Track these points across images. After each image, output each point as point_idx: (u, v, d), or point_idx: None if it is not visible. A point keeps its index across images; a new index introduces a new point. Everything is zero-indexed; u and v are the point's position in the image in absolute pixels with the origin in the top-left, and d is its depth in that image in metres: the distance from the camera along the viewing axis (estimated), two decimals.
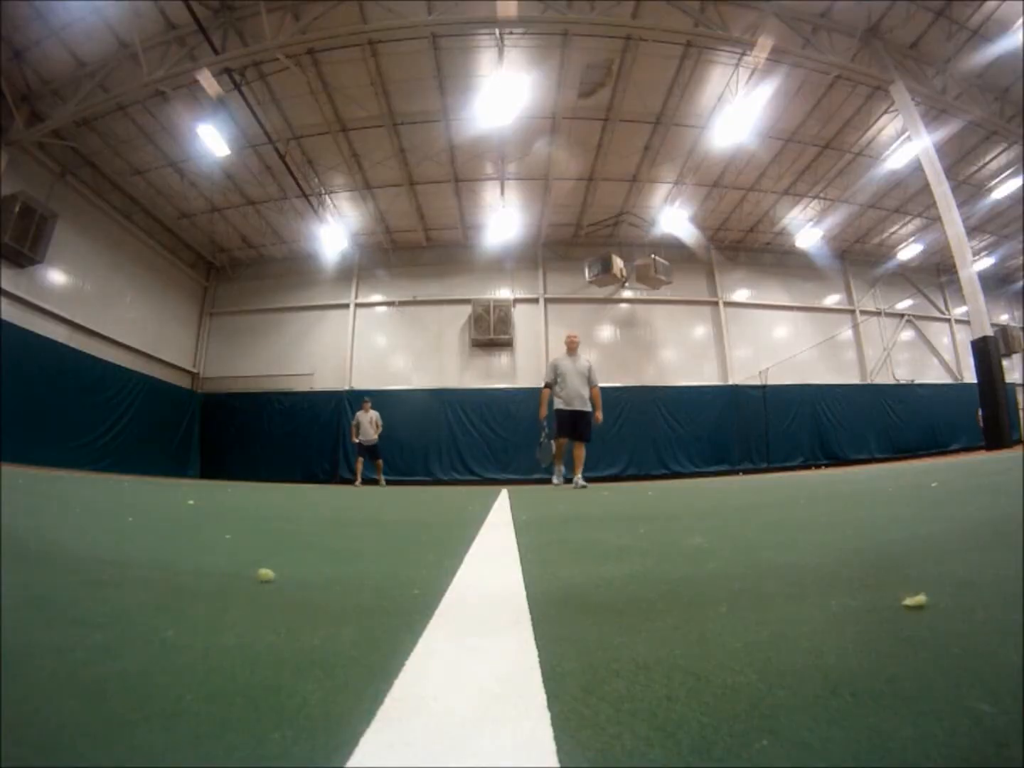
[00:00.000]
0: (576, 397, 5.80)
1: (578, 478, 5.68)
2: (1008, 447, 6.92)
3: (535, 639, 0.57)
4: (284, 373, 13.08)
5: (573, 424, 5.78)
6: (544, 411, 5.94)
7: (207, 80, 7.72)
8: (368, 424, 9.63)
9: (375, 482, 9.74)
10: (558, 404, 5.81)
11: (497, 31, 8.04)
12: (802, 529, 1.48)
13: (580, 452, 5.87)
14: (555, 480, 6.07)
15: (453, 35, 8.23)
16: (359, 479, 9.65)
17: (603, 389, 15.16)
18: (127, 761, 0.34)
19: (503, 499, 3.50)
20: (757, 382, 12.48)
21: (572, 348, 6.01)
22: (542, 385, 6.05)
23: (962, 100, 9.18)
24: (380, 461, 9.81)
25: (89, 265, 10.24)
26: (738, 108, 9.08)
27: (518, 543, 1.34)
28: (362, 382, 12.61)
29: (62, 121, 8.51)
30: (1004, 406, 7.39)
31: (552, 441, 5.99)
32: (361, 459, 9.72)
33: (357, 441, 9.67)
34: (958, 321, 14.74)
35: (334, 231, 12.07)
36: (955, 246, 7.86)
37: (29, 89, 8.42)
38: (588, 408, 5.84)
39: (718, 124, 9.62)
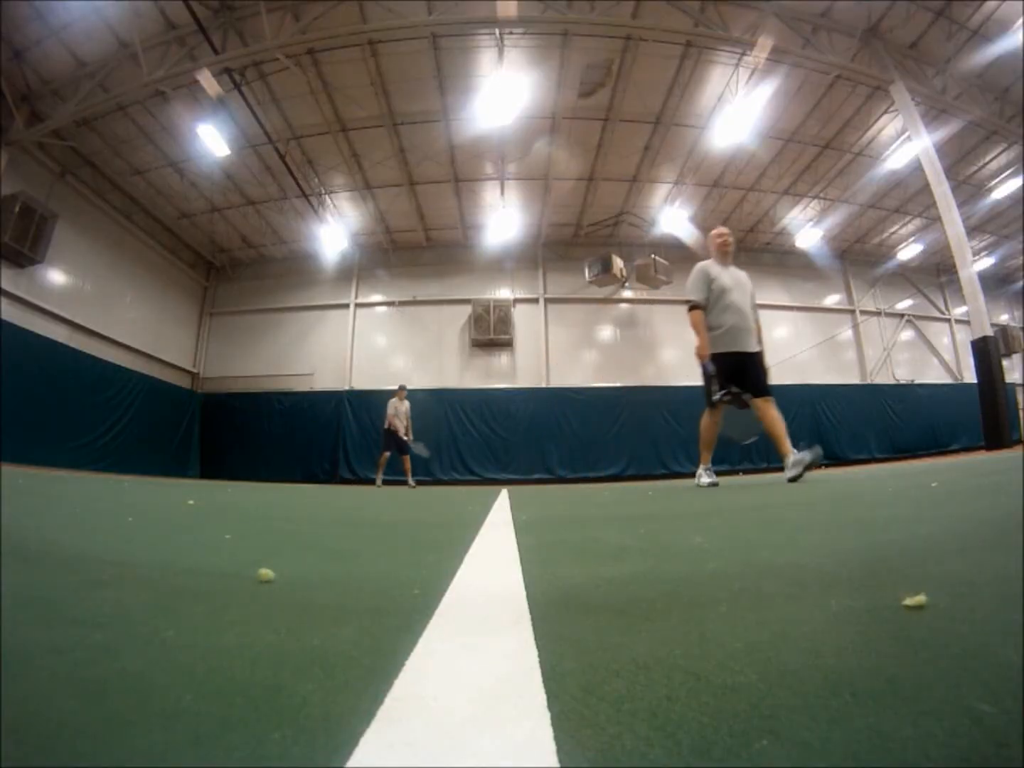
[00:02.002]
0: (745, 329, 3.75)
1: (795, 459, 3.50)
2: (1008, 447, 6.92)
3: (535, 639, 0.57)
4: (284, 373, 13.09)
5: (741, 371, 3.71)
6: (706, 345, 3.73)
7: (207, 80, 7.72)
8: (404, 416, 8.87)
9: (402, 483, 8.90)
10: (714, 346, 3.75)
11: (497, 31, 8.04)
12: (802, 529, 1.48)
13: (769, 411, 3.68)
14: (704, 478, 3.90)
15: (453, 35, 8.23)
16: (380, 477, 8.80)
17: (602, 389, 15.05)
18: (127, 761, 0.34)
19: (503, 499, 3.50)
20: None
21: (726, 250, 3.96)
22: (687, 307, 3.90)
23: (962, 100, 9.18)
24: (407, 461, 8.85)
25: (89, 265, 10.24)
26: (738, 108, 9.09)
27: (518, 543, 1.34)
28: (362, 382, 12.61)
29: (62, 121, 8.51)
30: (1004, 406, 7.40)
31: (719, 401, 3.76)
32: (387, 453, 8.78)
33: (390, 428, 8.65)
34: (958, 321, 14.74)
35: (334, 231, 12.08)
36: (955, 246, 7.86)
37: (29, 89, 8.43)
38: (758, 347, 3.84)
39: (718, 124, 9.62)
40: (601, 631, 0.60)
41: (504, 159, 10.81)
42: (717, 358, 3.74)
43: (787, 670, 0.46)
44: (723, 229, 4.14)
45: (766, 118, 9.77)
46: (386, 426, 8.81)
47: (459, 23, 7.72)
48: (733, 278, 3.91)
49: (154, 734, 0.37)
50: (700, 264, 4.02)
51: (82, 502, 2.90)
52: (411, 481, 8.73)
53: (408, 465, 8.83)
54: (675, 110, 9.80)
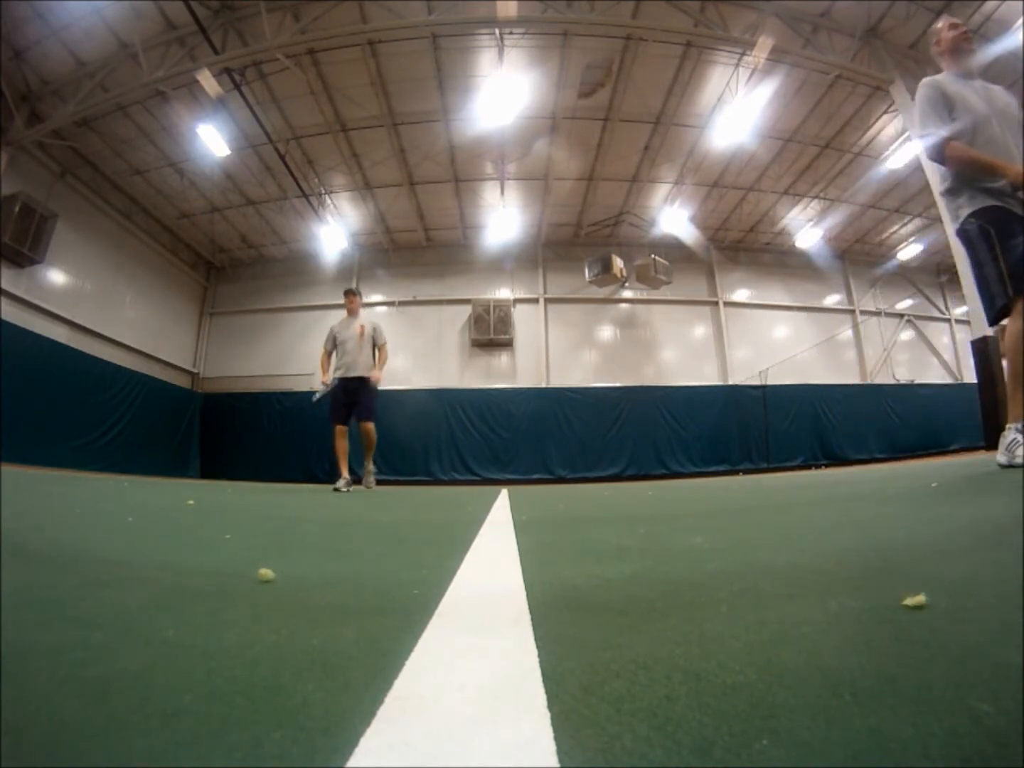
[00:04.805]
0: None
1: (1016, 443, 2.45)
2: None
3: (535, 639, 0.57)
4: (284, 373, 13.08)
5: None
6: (996, 163, 2.31)
7: (207, 80, 7.72)
8: (355, 342, 5.26)
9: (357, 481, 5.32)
10: (984, 199, 2.36)
11: (497, 31, 8.04)
12: (802, 529, 1.48)
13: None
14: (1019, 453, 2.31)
15: (453, 35, 8.23)
16: (344, 471, 5.07)
17: (602, 389, 15.05)
18: (127, 761, 0.34)
19: (503, 499, 3.50)
20: (757, 382, 12.48)
21: (964, 49, 2.72)
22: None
23: None
24: (372, 433, 5.15)
25: (89, 265, 10.24)
26: (738, 108, 9.08)
27: (518, 543, 1.34)
28: None
29: (62, 121, 8.51)
30: (1004, 406, 7.40)
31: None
32: (340, 427, 5.20)
33: (327, 383, 5.17)
34: (958, 321, 14.73)
35: (334, 231, 12.08)
36: (955, 246, 7.85)
37: (29, 89, 8.43)
38: None
39: (718, 124, 9.62)
40: (601, 631, 0.60)
41: (504, 159, 10.81)
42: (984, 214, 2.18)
43: (787, 670, 0.46)
44: (955, 19, 2.59)
45: (766, 118, 9.77)
46: (322, 383, 5.27)
47: (459, 23, 7.72)
48: (985, 97, 2.43)
49: (154, 734, 0.37)
50: (926, 81, 2.51)
51: (82, 502, 2.90)
52: (354, 478, 5.17)
53: (371, 439, 5.18)
54: (675, 110, 9.80)
